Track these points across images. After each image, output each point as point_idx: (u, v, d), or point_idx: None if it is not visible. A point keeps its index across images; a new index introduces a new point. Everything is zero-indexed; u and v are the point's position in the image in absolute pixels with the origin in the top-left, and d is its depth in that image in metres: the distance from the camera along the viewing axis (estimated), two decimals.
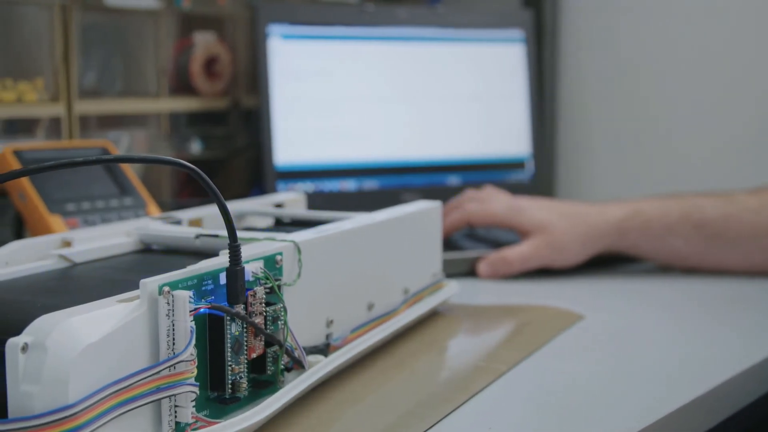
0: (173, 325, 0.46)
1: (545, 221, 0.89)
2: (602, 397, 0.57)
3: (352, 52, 1.11)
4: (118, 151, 0.89)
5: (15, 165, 0.81)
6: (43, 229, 0.78)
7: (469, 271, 0.90)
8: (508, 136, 1.19)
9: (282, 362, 0.52)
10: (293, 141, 1.07)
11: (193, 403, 0.46)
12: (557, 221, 0.89)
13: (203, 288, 0.48)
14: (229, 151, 1.12)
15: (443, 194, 1.12)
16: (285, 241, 0.56)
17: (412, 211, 0.71)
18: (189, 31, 1.07)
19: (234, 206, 0.75)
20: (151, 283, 0.45)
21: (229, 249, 0.49)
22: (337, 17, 1.11)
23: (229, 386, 0.49)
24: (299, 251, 0.56)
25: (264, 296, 0.51)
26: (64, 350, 0.41)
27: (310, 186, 1.07)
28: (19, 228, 0.87)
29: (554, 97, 1.29)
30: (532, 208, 0.91)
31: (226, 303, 0.49)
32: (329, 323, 0.59)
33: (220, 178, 1.13)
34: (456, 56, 1.17)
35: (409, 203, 0.73)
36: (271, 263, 0.53)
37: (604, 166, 1.28)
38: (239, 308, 0.49)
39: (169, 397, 0.45)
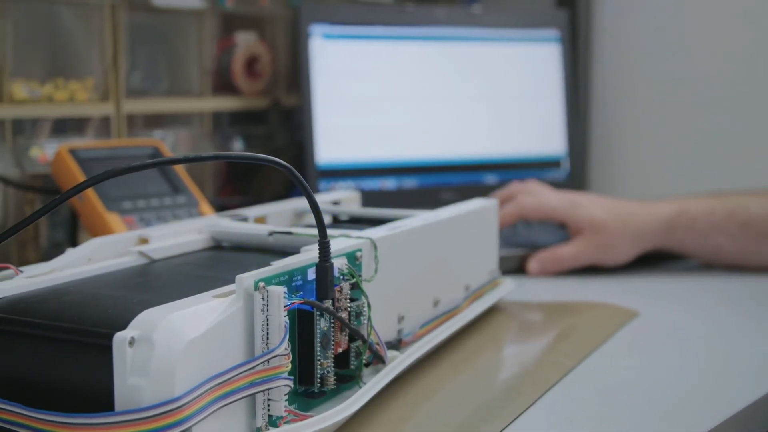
0: (267, 320, 0.46)
1: (599, 220, 0.90)
2: (673, 393, 0.58)
3: (391, 51, 1.12)
4: (168, 150, 0.90)
5: (71, 163, 0.82)
6: (101, 227, 0.78)
7: (517, 268, 0.91)
8: (544, 134, 1.20)
9: (364, 357, 0.53)
10: (334, 140, 1.07)
11: (286, 397, 0.47)
12: (610, 221, 0.90)
13: (293, 284, 0.49)
14: (269, 150, 1.13)
15: (480, 193, 1.13)
16: (361, 238, 0.56)
17: (471, 209, 0.71)
18: (230, 31, 1.08)
19: (294, 204, 0.76)
20: (247, 279, 0.46)
21: (319, 245, 0.49)
22: (377, 17, 1.11)
23: (318, 380, 0.50)
24: (375, 248, 0.57)
25: (349, 292, 0.52)
26: (171, 344, 0.42)
27: (350, 184, 1.08)
28: (74, 226, 0.88)
29: (587, 96, 1.30)
30: (587, 205, 0.91)
31: (314, 298, 0.50)
32: (400, 319, 0.60)
33: (260, 176, 1.14)
34: (492, 56, 1.18)
35: (467, 201, 0.74)
36: (352, 260, 0.54)
37: (636, 164, 1.29)
38: (328, 304, 0.50)
39: (264, 391, 0.46)
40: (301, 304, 0.48)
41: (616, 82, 1.29)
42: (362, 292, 0.53)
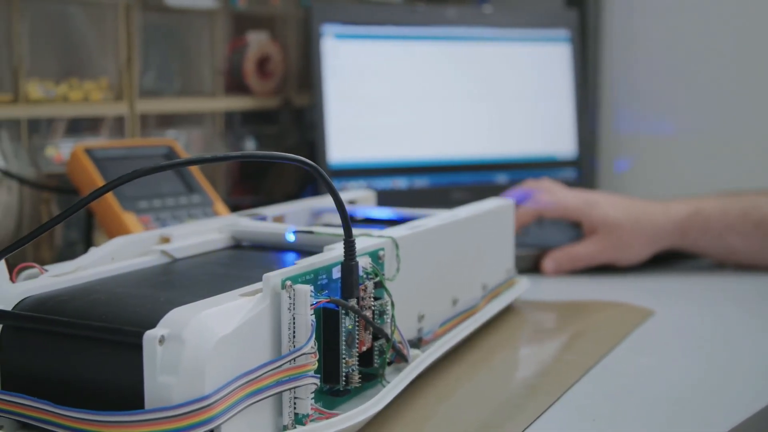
0: (294, 318, 0.47)
1: (614, 220, 0.90)
2: (696, 392, 0.58)
3: (402, 51, 1.12)
4: (182, 149, 0.90)
5: (87, 163, 0.82)
6: (118, 227, 0.79)
7: (531, 267, 0.91)
8: (555, 134, 1.20)
9: (387, 356, 0.53)
10: (346, 139, 1.08)
11: (312, 395, 0.47)
12: (625, 220, 0.90)
13: (318, 282, 0.49)
14: (280, 149, 1.13)
15: (491, 192, 1.13)
16: (383, 237, 0.57)
17: (488, 209, 0.72)
18: (242, 31, 1.08)
19: (311, 203, 0.76)
20: (274, 278, 0.46)
21: (344, 244, 0.50)
22: (389, 17, 1.12)
23: (343, 379, 0.50)
24: (397, 246, 0.57)
25: (373, 291, 0.52)
26: (200, 342, 0.42)
27: (362, 184, 1.08)
28: (89, 225, 0.88)
29: (596, 95, 1.30)
30: (603, 205, 0.92)
31: (339, 297, 0.50)
32: (420, 318, 0.60)
33: (271, 176, 1.14)
34: (503, 55, 1.18)
35: (484, 200, 0.74)
36: (375, 258, 0.54)
37: (646, 164, 1.29)
38: (353, 302, 0.50)
39: (290, 389, 0.46)
40: (328, 302, 0.48)
41: (626, 81, 1.29)
42: (386, 290, 0.53)
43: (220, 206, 0.86)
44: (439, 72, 1.14)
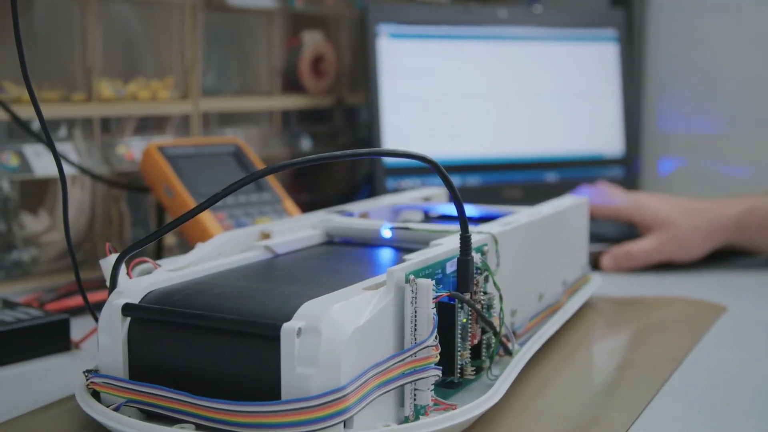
0: (416, 312, 0.48)
1: (668, 217, 0.91)
2: None
3: (455, 50, 1.13)
4: (248, 147, 0.91)
5: (160, 160, 0.83)
6: (195, 224, 0.80)
7: (591, 265, 0.92)
8: (603, 133, 1.21)
9: (496, 349, 0.54)
10: (400, 138, 1.09)
11: (433, 387, 0.48)
12: (680, 217, 0.91)
13: (435, 277, 0.51)
14: (335, 148, 1.14)
15: (542, 190, 1.15)
16: (482, 233, 0.58)
17: (567, 206, 0.73)
18: (297, 31, 1.09)
19: (391, 200, 0.77)
20: (398, 272, 0.47)
21: (461, 239, 0.51)
22: (442, 17, 1.13)
23: (458, 371, 0.51)
24: (496, 242, 0.58)
25: (484, 285, 0.53)
26: (336, 335, 0.43)
27: (417, 182, 1.09)
28: (161, 223, 0.89)
29: (642, 94, 1.31)
30: (654, 204, 0.93)
31: (453, 291, 0.51)
32: (513, 312, 0.61)
33: (325, 175, 1.15)
34: (553, 54, 1.19)
35: (561, 198, 0.75)
36: (480, 254, 0.55)
37: (692, 163, 1.30)
38: (467, 296, 0.51)
39: (413, 381, 0.47)
40: (448, 296, 0.49)
41: (671, 80, 1.30)
42: (495, 284, 0.54)
43: (288, 204, 0.87)
44: (490, 71, 1.15)
